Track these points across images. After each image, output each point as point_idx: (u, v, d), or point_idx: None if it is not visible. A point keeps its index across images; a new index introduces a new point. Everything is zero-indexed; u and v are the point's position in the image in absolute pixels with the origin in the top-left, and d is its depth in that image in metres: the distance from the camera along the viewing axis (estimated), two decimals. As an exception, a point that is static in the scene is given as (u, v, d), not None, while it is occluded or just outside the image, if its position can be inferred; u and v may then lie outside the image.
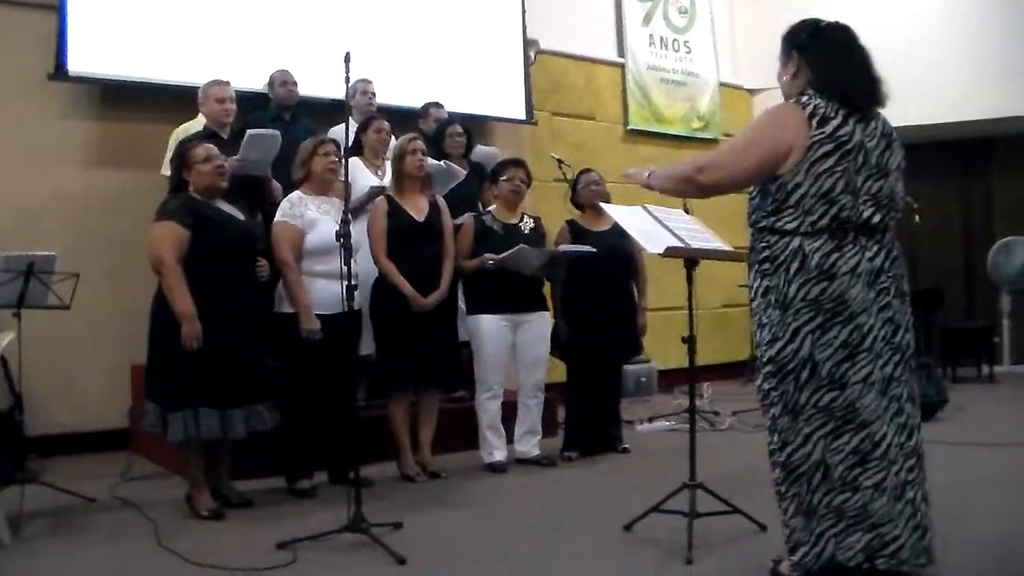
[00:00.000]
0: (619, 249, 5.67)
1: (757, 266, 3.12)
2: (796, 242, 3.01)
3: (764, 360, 3.10)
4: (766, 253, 3.08)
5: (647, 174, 3.50)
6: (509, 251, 5.29)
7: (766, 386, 3.10)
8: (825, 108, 3.00)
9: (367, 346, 5.18)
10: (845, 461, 3.00)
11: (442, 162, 5.64)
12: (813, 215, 3.00)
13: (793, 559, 3.09)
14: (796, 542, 3.07)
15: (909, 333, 3.09)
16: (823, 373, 2.99)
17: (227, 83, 5.49)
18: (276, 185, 5.39)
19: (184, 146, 4.76)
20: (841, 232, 2.99)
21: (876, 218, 3.02)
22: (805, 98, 3.05)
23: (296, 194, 4.91)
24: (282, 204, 4.89)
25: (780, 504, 3.14)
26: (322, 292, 4.74)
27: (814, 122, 2.98)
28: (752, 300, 3.17)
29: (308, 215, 4.81)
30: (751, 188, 3.20)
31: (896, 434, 3.03)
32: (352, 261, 4.11)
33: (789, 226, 3.03)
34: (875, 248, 3.02)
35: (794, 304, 3.00)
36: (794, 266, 3.01)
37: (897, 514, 3.00)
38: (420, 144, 5.30)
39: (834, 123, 2.98)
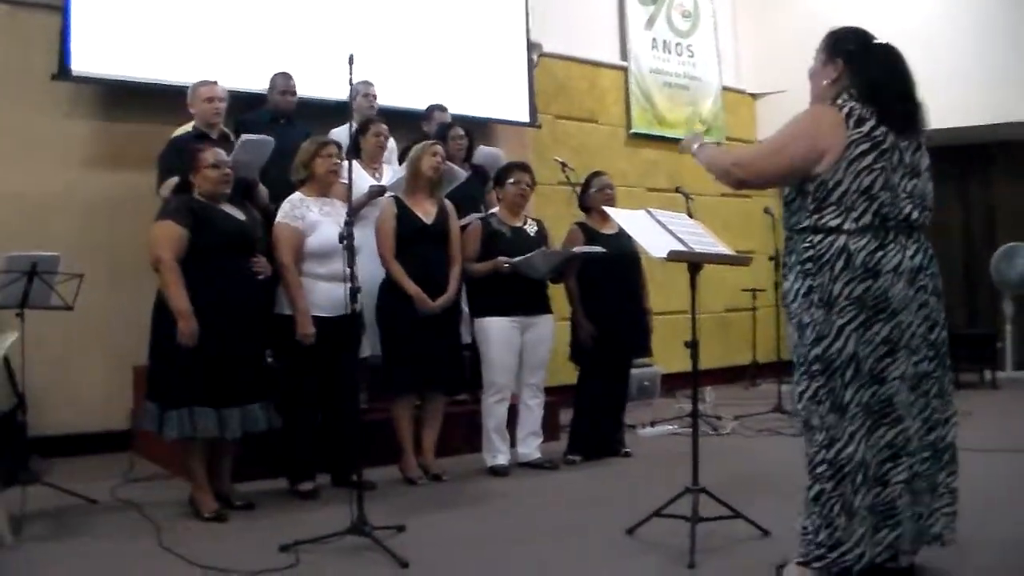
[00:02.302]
0: (628, 251, 5.69)
1: (799, 267, 3.16)
2: (841, 240, 3.06)
3: (809, 359, 3.13)
4: (810, 253, 3.12)
5: (696, 145, 3.54)
6: (528, 255, 5.31)
7: (814, 384, 3.12)
8: (860, 110, 3.07)
9: (368, 349, 5.18)
10: (879, 455, 3.07)
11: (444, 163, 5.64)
12: (855, 211, 3.06)
13: (830, 556, 3.09)
14: (837, 540, 3.08)
15: (944, 331, 3.20)
16: (865, 370, 3.05)
17: (215, 83, 5.44)
18: (263, 189, 5.39)
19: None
20: (883, 231, 3.06)
21: (914, 215, 3.10)
22: (841, 100, 3.12)
23: (297, 196, 4.90)
24: (283, 205, 4.89)
25: (819, 504, 3.11)
26: (323, 294, 4.74)
27: (851, 122, 3.06)
28: (790, 301, 3.21)
29: (309, 217, 4.81)
30: (787, 192, 3.24)
31: (920, 429, 3.12)
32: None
33: (833, 223, 3.08)
34: (914, 247, 3.10)
35: (839, 302, 3.06)
36: (839, 264, 3.06)
37: (918, 511, 3.11)
38: (440, 148, 5.34)
39: (869, 123, 3.06)
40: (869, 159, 3.04)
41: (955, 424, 3.23)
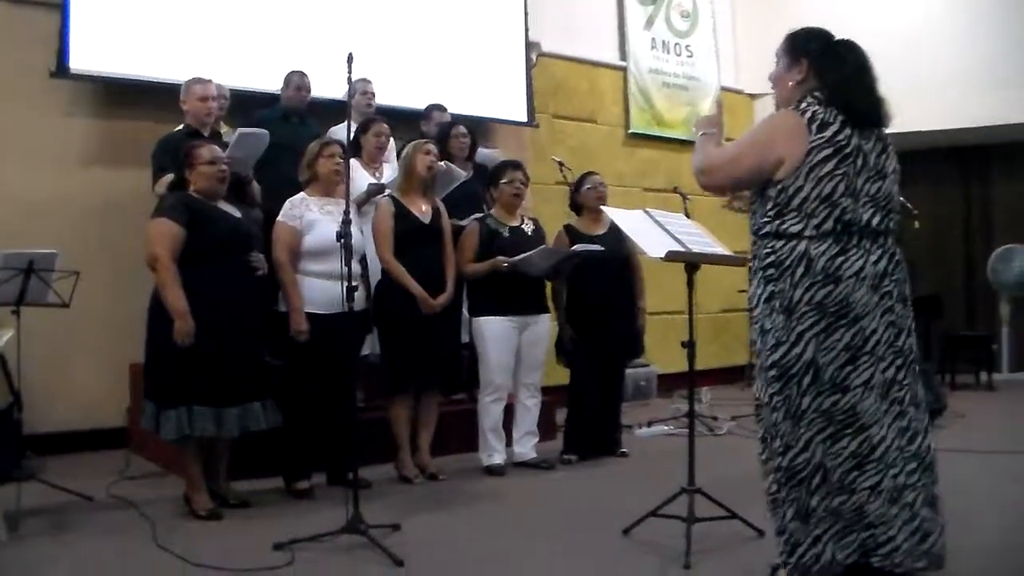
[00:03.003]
0: (617, 252, 5.69)
1: (761, 272, 3.13)
2: (802, 246, 3.03)
3: (767, 365, 3.10)
4: (771, 259, 3.09)
5: (700, 134, 3.47)
6: (527, 253, 5.31)
7: (769, 391, 3.10)
8: (824, 114, 3.04)
9: (367, 347, 5.18)
10: (843, 464, 3.02)
11: (443, 163, 5.64)
12: (816, 218, 3.02)
13: (790, 562, 3.09)
14: (794, 543, 3.07)
15: (911, 337, 3.11)
16: (825, 377, 3.00)
17: (209, 81, 5.43)
18: (256, 187, 5.39)
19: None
20: (846, 236, 3.02)
21: (876, 220, 3.05)
22: (804, 104, 3.08)
23: (299, 195, 4.92)
24: (285, 205, 4.90)
25: (776, 510, 3.13)
26: (318, 292, 4.74)
27: (813, 127, 3.02)
28: (753, 307, 3.18)
29: (307, 216, 4.81)
30: (751, 195, 3.23)
31: (897, 437, 3.04)
32: (356, 262, 4.10)
33: (793, 229, 3.05)
34: (879, 252, 3.04)
35: (799, 308, 3.02)
36: (800, 270, 3.02)
37: (893, 517, 3.02)
38: (433, 147, 5.33)
39: (832, 128, 3.02)
40: (831, 165, 3.00)
41: (928, 431, 3.13)
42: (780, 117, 3.16)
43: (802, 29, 3.27)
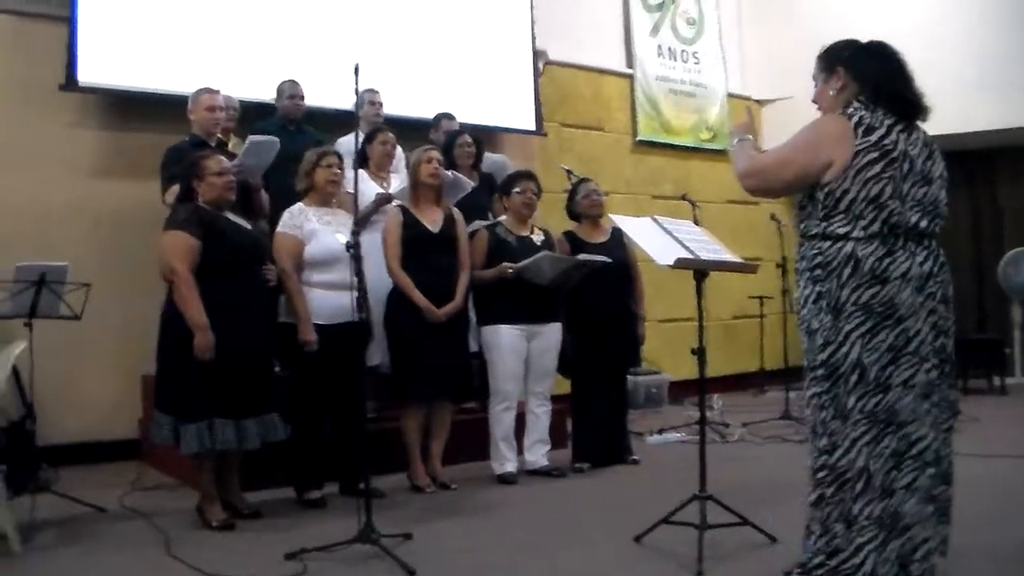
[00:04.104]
0: (617, 260, 5.69)
1: (809, 273, 3.17)
2: (849, 247, 3.06)
3: (816, 364, 3.13)
4: (819, 259, 3.13)
5: (736, 140, 3.48)
6: (531, 259, 5.30)
7: (817, 389, 3.13)
8: (870, 119, 3.08)
9: (378, 357, 5.18)
10: (884, 465, 3.04)
11: (450, 173, 5.65)
12: (864, 219, 3.06)
13: (829, 563, 3.07)
14: (836, 547, 3.07)
15: (950, 339, 3.17)
16: (870, 377, 3.04)
17: (217, 91, 5.43)
18: (264, 196, 5.41)
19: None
20: (892, 238, 3.06)
21: (923, 223, 3.10)
22: (851, 110, 3.12)
23: (298, 205, 4.93)
24: (284, 215, 4.91)
25: (818, 509, 3.12)
26: (321, 302, 4.75)
27: (859, 131, 3.06)
28: (801, 307, 3.21)
29: (308, 226, 4.82)
30: (799, 198, 3.25)
31: (935, 439, 3.09)
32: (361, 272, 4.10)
33: (841, 231, 3.08)
34: (924, 254, 3.09)
35: (846, 308, 3.05)
36: (847, 271, 3.06)
37: (929, 515, 3.06)
38: (436, 154, 5.32)
39: (879, 132, 3.06)
40: (877, 168, 3.04)
41: (949, 434, 3.19)
42: (825, 120, 3.20)
43: (832, 44, 3.31)
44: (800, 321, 3.24)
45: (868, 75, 3.16)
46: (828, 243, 3.11)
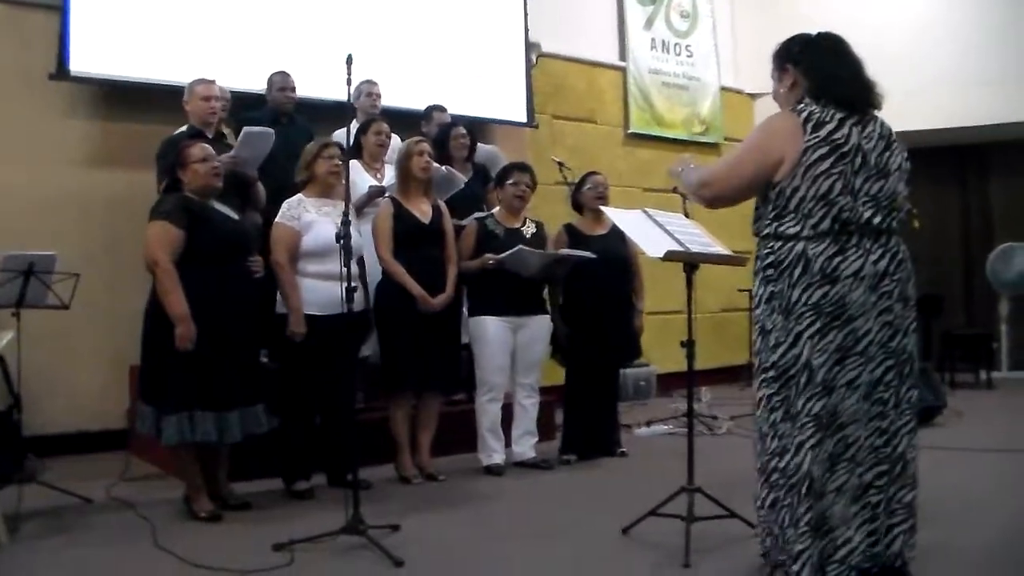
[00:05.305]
0: (617, 253, 5.69)
1: (762, 273, 3.16)
2: (800, 246, 3.04)
3: (767, 365, 3.11)
4: (770, 259, 3.11)
5: (680, 169, 3.53)
6: (509, 251, 5.30)
7: (768, 391, 3.11)
8: (820, 113, 3.05)
9: (368, 348, 5.18)
10: (821, 468, 3.02)
11: (443, 168, 5.64)
12: (813, 218, 3.02)
13: (792, 568, 3.07)
14: (790, 551, 3.06)
15: (908, 338, 3.10)
16: (817, 379, 3.01)
17: (212, 81, 5.39)
18: (261, 188, 5.39)
19: (178, 144, 4.74)
20: (844, 235, 3.02)
21: (877, 219, 3.04)
22: (800, 106, 3.10)
23: (297, 197, 4.92)
24: (282, 206, 4.90)
25: (771, 512, 3.14)
26: (317, 293, 4.73)
27: (809, 127, 3.03)
28: (755, 307, 3.20)
29: (305, 217, 4.81)
30: (756, 201, 3.24)
31: (871, 436, 3.05)
32: (355, 263, 4.10)
33: (791, 230, 3.06)
34: (880, 251, 3.04)
35: (797, 308, 3.03)
36: (798, 270, 3.03)
37: (852, 516, 3.03)
38: (426, 146, 5.31)
39: (829, 127, 3.03)
40: (827, 164, 3.00)
41: (909, 435, 3.10)
42: (775, 119, 3.18)
43: (783, 41, 3.30)
44: (754, 321, 3.23)
45: (816, 69, 3.14)
46: (780, 243, 3.09)
